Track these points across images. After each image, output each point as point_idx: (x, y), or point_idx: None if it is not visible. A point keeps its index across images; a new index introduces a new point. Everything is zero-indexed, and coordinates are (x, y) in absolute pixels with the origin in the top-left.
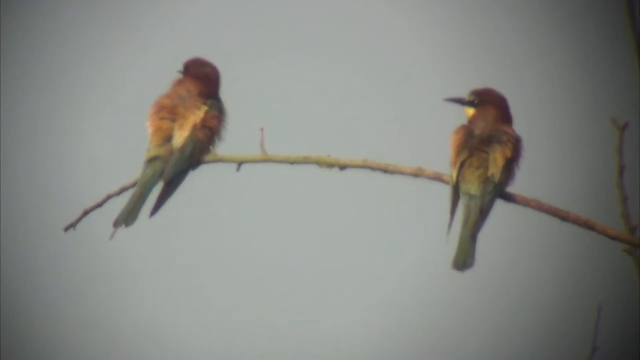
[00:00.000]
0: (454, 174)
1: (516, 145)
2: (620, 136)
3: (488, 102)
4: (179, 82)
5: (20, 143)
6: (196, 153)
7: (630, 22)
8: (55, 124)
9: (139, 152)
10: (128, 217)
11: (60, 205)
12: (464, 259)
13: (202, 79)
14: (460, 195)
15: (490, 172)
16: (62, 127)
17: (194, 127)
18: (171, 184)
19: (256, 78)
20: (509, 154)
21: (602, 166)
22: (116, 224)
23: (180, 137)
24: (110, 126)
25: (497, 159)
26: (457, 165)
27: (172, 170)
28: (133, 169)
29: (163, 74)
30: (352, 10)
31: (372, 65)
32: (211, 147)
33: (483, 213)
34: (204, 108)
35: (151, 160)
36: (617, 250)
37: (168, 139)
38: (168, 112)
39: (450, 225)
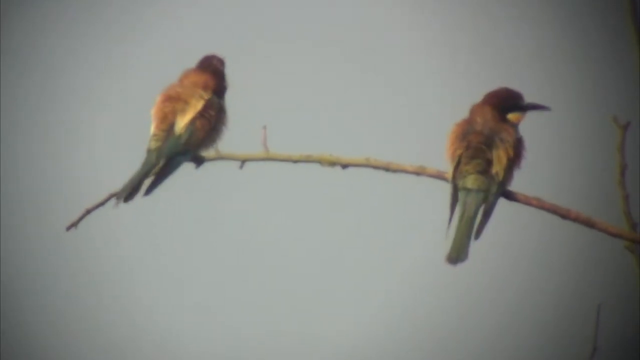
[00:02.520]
0: (451, 169)
1: (517, 146)
2: (622, 135)
3: (483, 99)
4: (186, 75)
5: (20, 143)
6: (192, 141)
7: (632, 20)
8: (55, 124)
9: (140, 151)
10: (129, 193)
11: (60, 204)
12: (457, 254)
13: (211, 72)
14: (458, 190)
15: (494, 170)
16: (62, 127)
17: (194, 116)
18: (167, 167)
19: (258, 76)
20: (511, 152)
21: (603, 165)
22: (119, 197)
23: (181, 122)
24: (110, 126)
25: (500, 156)
26: (455, 159)
27: (166, 151)
28: (134, 168)
29: (163, 74)
30: (352, 10)
31: (374, 63)
32: (208, 140)
33: (486, 212)
34: (206, 97)
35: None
36: (617, 249)
37: (172, 125)
38: (173, 101)
39: (450, 220)
